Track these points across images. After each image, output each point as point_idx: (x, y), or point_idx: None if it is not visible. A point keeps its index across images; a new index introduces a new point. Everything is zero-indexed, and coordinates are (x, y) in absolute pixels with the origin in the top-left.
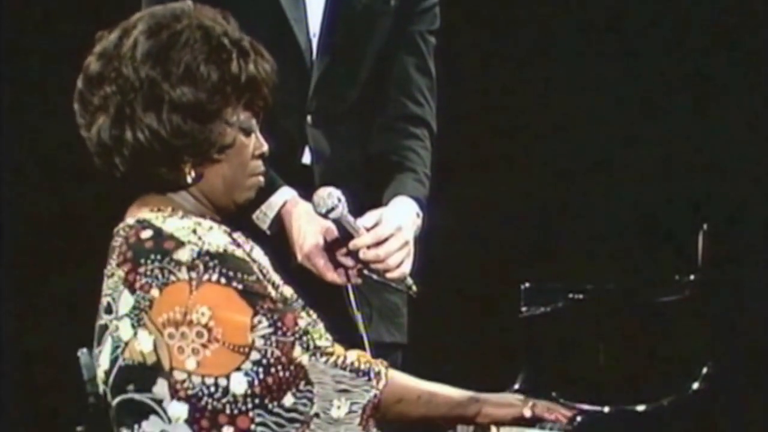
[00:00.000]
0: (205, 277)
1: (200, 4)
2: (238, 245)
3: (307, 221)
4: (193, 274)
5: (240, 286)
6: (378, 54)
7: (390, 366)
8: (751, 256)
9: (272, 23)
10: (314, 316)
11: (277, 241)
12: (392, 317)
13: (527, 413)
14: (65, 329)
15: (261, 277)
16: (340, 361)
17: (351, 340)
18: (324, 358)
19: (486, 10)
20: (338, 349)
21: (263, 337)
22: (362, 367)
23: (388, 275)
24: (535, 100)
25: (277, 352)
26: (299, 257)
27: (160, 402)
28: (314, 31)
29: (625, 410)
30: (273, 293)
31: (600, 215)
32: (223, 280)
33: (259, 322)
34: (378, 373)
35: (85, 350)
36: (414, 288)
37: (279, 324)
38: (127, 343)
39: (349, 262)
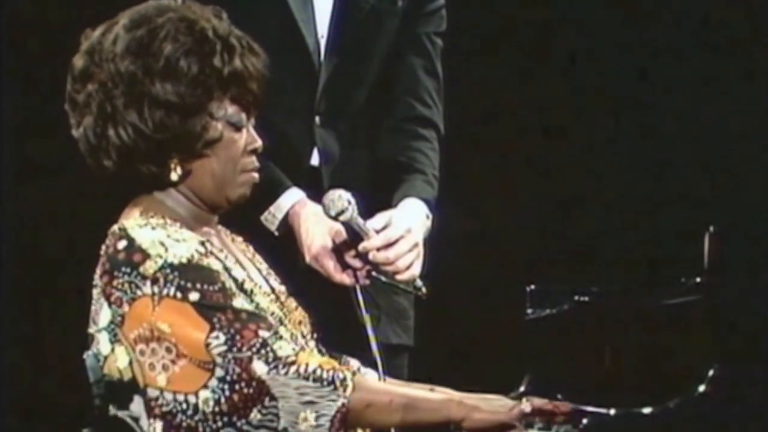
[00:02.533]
0: (164, 291)
1: (200, 2)
2: (211, 254)
3: (315, 222)
4: (155, 289)
5: (198, 297)
6: (385, 55)
7: (400, 368)
8: (757, 258)
9: (280, 25)
10: (290, 331)
11: (286, 242)
12: (399, 319)
13: (526, 408)
14: (70, 330)
15: (231, 285)
16: (302, 370)
17: (358, 342)
18: (285, 370)
19: (492, 11)
20: (302, 356)
21: (220, 354)
22: (326, 375)
23: (398, 277)
24: (541, 103)
25: (237, 369)
26: (307, 259)
27: (137, 420)
28: (322, 32)
29: (630, 413)
30: (241, 303)
31: (605, 217)
32: (179, 294)
33: (216, 337)
34: (343, 380)
35: (90, 353)
36: (423, 290)
37: (236, 338)
38: (106, 358)
39: (357, 263)
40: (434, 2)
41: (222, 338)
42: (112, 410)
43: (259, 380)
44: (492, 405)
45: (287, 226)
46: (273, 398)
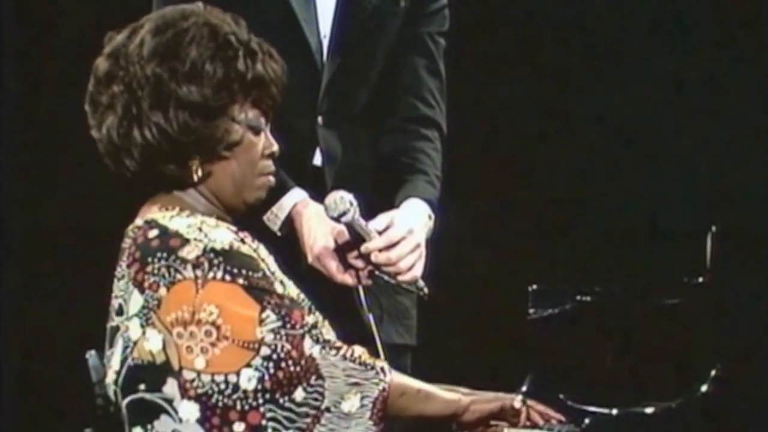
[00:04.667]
0: (210, 274)
1: (210, 5)
2: (244, 242)
3: (318, 222)
4: (199, 272)
5: (245, 282)
6: (388, 55)
7: (403, 367)
8: (759, 258)
9: (283, 25)
10: (320, 317)
11: (288, 242)
12: (402, 319)
13: (517, 404)
14: (73, 330)
15: (268, 273)
16: (349, 354)
17: (361, 342)
18: (333, 351)
19: (494, 10)
20: (344, 343)
21: (272, 331)
22: (369, 361)
23: (400, 278)
24: (543, 103)
25: (288, 346)
26: (309, 258)
27: (170, 402)
28: (325, 32)
29: (633, 412)
30: (280, 289)
31: (608, 217)
32: (228, 277)
33: (267, 316)
34: (382, 368)
35: (93, 352)
36: (425, 290)
37: (287, 318)
38: (135, 343)
39: (359, 263)
40: (437, 2)
41: (273, 316)
42: (140, 393)
43: (310, 358)
44: (487, 397)
45: (289, 226)
46: (320, 377)
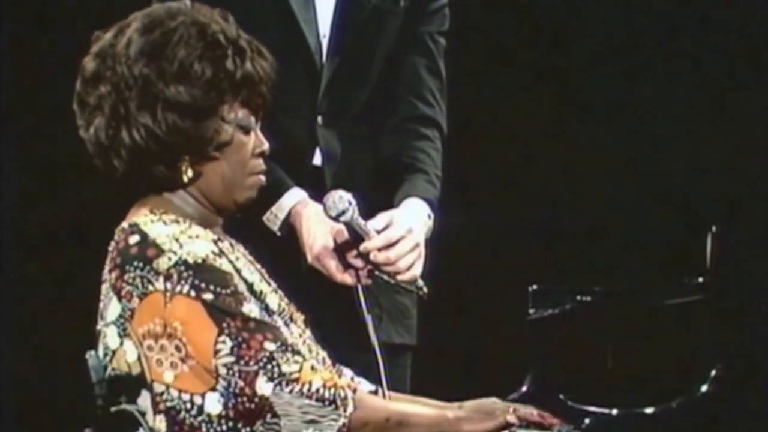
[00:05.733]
0: (178, 288)
1: (202, 3)
2: (222, 254)
3: (317, 222)
4: (168, 285)
5: (211, 298)
6: (388, 55)
7: (402, 367)
8: (759, 259)
9: (282, 25)
10: (300, 328)
11: (288, 242)
12: (402, 318)
13: (512, 419)
14: (72, 330)
15: (243, 289)
16: (305, 390)
17: (360, 342)
18: (289, 388)
19: (494, 9)
20: (305, 374)
21: (225, 366)
22: (327, 394)
23: (399, 278)
24: (544, 102)
25: (241, 383)
26: (309, 259)
27: (143, 414)
28: (324, 32)
29: (633, 412)
30: (250, 309)
31: (608, 217)
32: (193, 293)
33: (224, 342)
34: (344, 399)
35: (93, 352)
36: (425, 290)
37: (243, 348)
38: (114, 352)
39: (359, 263)
40: (437, 1)
41: (229, 344)
42: (122, 404)
43: (263, 398)
44: (480, 415)
45: (289, 226)
46: (275, 416)
